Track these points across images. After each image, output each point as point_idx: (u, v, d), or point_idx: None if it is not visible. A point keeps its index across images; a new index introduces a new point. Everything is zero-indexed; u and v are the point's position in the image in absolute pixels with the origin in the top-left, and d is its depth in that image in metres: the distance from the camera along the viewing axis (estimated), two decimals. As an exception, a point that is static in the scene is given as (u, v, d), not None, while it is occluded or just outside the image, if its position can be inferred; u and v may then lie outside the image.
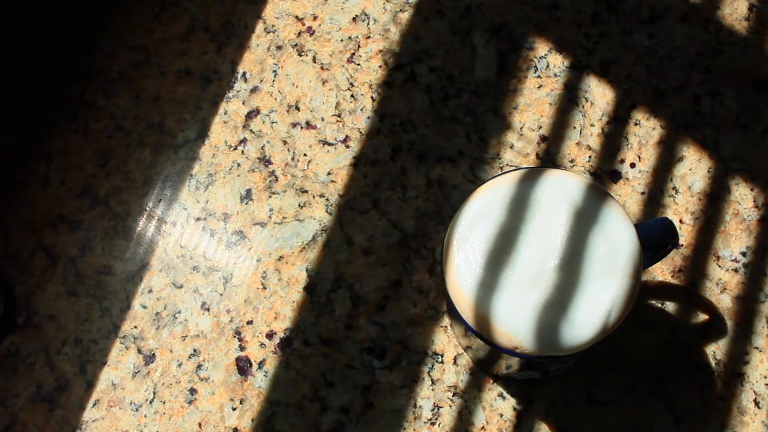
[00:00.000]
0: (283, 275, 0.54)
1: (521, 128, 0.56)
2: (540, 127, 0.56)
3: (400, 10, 0.60)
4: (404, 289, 0.53)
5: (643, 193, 0.54)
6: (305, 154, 0.57)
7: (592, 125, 0.56)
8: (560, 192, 0.43)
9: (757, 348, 0.51)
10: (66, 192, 0.57)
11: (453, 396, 0.51)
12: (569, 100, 0.57)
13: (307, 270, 0.54)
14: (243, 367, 0.52)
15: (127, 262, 0.55)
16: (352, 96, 0.58)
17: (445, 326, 0.52)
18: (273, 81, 0.59)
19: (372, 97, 0.58)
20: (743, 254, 0.52)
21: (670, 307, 0.52)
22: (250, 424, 0.51)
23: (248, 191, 0.56)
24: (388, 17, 0.60)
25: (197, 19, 0.61)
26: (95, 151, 0.58)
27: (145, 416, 0.52)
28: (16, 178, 0.58)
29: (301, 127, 0.58)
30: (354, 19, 0.60)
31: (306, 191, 0.56)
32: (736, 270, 0.52)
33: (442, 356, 0.52)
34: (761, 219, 0.53)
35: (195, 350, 0.53)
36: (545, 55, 0.58)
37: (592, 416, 0.50)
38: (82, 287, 0.55)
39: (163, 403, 0.52)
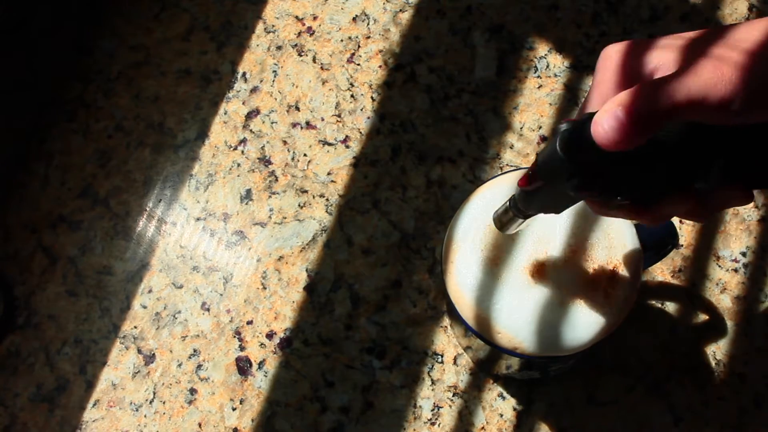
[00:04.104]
0: (283, 275, 0.54)
1: (521, 128, 0.56)
2: (540, 127, 0.56)
3: (400, 10, 0.60)
4: (404, 289, 0.53)
5: (643, 193, 0.54)
6: (305, 154, 0.57)
7: (592, 125, 0.56)
8: (560, 192, 0.43)
9: (757, 348, 0.51)
10: (66, 192, 0.57)
11: (453, 396, 0.51)
12: (569, 100, 0.57)
13: (307, 270, 0.54)
14: (243, 367, 0.52)
15: (127, 262, 0.55)
16: (352, 96, 0.58)
17: (445, 326, 0.52)
18: (273, 81, 0.59)
19: (372, 97, 0.58)
20: (743, 254, 0.52)
21: (670, 307, 0.52)
22: (250, 424, 0.51)
23: (248, 191, 0.56)
24: (388, 17, 0.60)
25: (197, 19, 0.61)
26: (95, 151, 0.58)
27: (145, 416, 0.52)
28: (16, 178, 0.58)
29: (301, 127, 0.58)
30: (354, 19, 0.60)
31: (306, 191, 0.56)
32: (736, 270, 0.52)
33: (442, 356, 0.52)
34: (761, 219, 0.53)
35: (195, 350, 0.53)
36: (545, 55, 0.58)
37: (592, 416, 0.50)
38: (82, 287, 0.55)
39: (163, 403, 0.52)
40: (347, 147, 0.57)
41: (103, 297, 0.55)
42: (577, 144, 0.30)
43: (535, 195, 0.34)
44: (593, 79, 0.34)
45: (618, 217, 0.34)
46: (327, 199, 0.56)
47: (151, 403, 0.52)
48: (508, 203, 0.37)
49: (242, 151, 0.57)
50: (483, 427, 0.50)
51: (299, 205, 0.56)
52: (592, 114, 0.30)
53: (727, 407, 0.50)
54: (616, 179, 0.31)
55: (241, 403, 0.52)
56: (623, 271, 0.41)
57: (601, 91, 0.33)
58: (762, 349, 0.51)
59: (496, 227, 0.38)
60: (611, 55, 0.33)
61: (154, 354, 0.53)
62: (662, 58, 0.32)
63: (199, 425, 0.51)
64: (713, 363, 0.51)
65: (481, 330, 0.41)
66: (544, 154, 0.32)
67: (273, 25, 0.60)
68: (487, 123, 0.56)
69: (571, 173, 0.31)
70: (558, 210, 0.34)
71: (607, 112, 0.29)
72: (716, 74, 0.29)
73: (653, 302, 0.52)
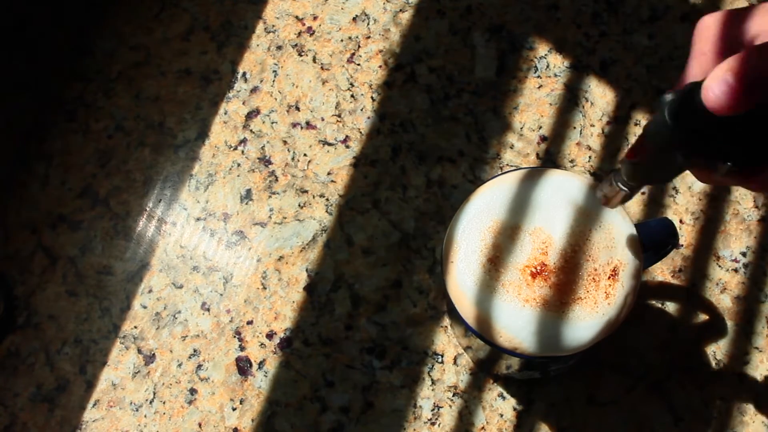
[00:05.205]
0: (283, 275, 0.54)
1: (521, 128, 0.56)
2: (540, 127, 0.56)
3: (400, 10, 0.60)
4: (404, 289, 0.53)
5: (643, 193, 0.54)
6: (305, 154, 0.57)
7: (592, 125, 0.56)
8: (560, 192, 0.43)
9: (757, 348, 0.51)
10: (66, 192, 0.57)
11: (453, 396, 0.51)
12: (569, 100, 0.57)
13: (307, 270, 0.54)
14: (243, 367, 0.52)
15: (127, 262, 0.55)
16: (352, 96, 0.58)
17: (445, 326, 0.52)
18: (273, 81, 0.59)
19: (372, 97, 0.58)
20: (743, 254, 0.52)
21: (670, 307, 0.52)
22: (250, 424, 0.51)
23: (248, 191, 0.56)
24: (388, 17, 0.60)
25: (197, 19, 0.61)
26: (95, 151, 0.58)
27: (145, 416, 0.52)
28: (16, 178, 0.58)
29: (301, 127, 0.58)
30: (354, 19, 0.60)
31: (306, 191, 0.56)
32: (736, 270, 0.52)
33: (442, 356, 0.52)
34: (761, 219, 0.53)
35: (195, 350, 0.53)
36: (545, 55, 0.58)
37: (592, 416, 0.50)
38: (82, 287, 0.55)
39: (163, 403, 0.52)
40: (347, 147, 0.57)
41: (103, 297, 0.55)
42: (686, 111, 0.31)
43: (643, 166, 0.35)
44: (692, 50, 0.35)
45: (725, 185, 0.35)
46: (327, 199, 0.56)
47: (151, 403, 0.52)
48: (612, 178, 0.37)
49: (242, 151, 0.57)
50: (483, 427, 0.50)
51: (299, 205, 0.56)
52: (697, 82, 0.31)
53: (727, 407, 0.50)
54: (726, 144, 0.32)
55: (241, 403, 0.52)
56: (623, 271, 0.41)
57: (701, 62, 0.34)
58: (762, 349, 0.51)
59: (602, 204, 0.38)
60: (709, 26, 0.34)
61: (154, 354, 0.53)
62: (762, 25, 0.33)
63: (199, 425, 0.51)
64: (713, 363, 0.51)
65: (481, 330, 0.41)
66: (651, 124, 0.33)
67: (273, 25, 0.60)
68: (487, 123, 0.56)
69: (680, 141, 0.32)
70: (665, 179, 0.35)
71: (716, 78, 0.30)
72: None
73: (653, 302, 0.52)
